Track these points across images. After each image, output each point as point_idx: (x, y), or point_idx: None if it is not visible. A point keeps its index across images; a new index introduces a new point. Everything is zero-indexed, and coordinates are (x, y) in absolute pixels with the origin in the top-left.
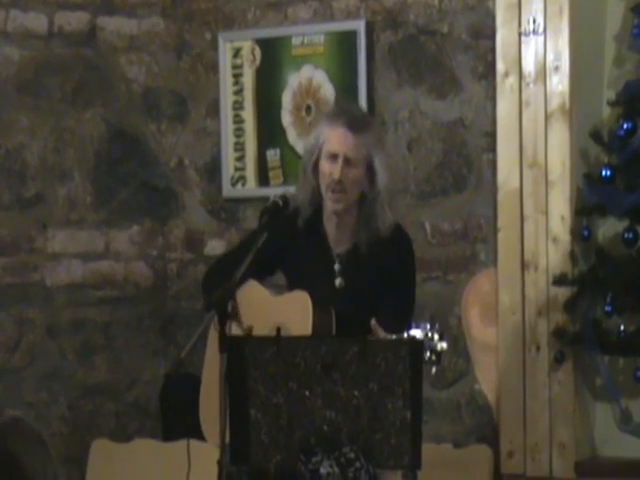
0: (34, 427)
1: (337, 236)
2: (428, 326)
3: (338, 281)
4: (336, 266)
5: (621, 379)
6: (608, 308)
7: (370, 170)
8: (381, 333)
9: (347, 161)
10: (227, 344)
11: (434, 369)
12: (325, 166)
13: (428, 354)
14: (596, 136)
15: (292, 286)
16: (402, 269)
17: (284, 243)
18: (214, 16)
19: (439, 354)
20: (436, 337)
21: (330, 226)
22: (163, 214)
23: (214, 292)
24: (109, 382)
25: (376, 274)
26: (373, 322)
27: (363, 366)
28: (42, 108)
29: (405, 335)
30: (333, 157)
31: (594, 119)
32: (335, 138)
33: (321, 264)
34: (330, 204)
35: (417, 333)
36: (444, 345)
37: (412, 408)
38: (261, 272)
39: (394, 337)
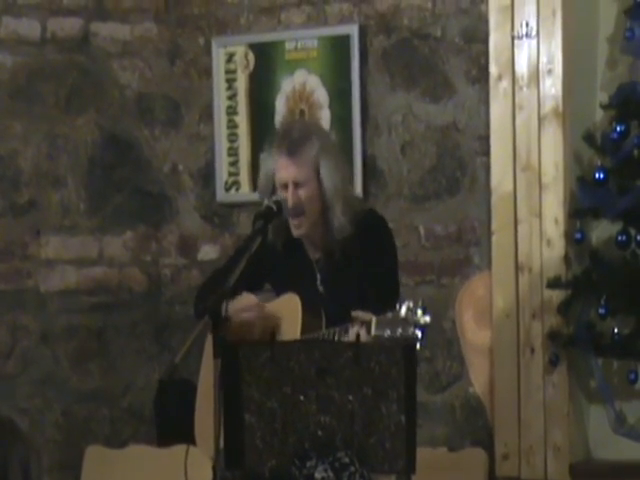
0: (18, 425)
1: (311, 246)
2: (411, 302)
3: (321, 288)
4: (316, 274)
5: (615, 381)
6: (602, 310)
7: (320, 181)
8: (365, 316)
9: (297, 185)
10: (221, 349)
11: (418, 345)
12: (282, 194)
13: (412, 329)
14: (589, 139)
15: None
16: (380, 253)
17: (267, 256)
18: (207, 21)
19: (423, 328)
20: (419, 312)
21: (303, 239)
22: (157, 219)
23: (207, 299)
24: (103, 388)
25: (356, 270)
26: (354, 314)
27: (357, 370)
28: (35, 114)
29: (389, 314)
30: (284, 186)
31: (587, 122)
32: (280, 169)
33: (302, 272)
34: (293, 231)
35: (401, 309)
36: (427, 319)
37: (406, 412)
38: (252, 285)
39: (378, 318)
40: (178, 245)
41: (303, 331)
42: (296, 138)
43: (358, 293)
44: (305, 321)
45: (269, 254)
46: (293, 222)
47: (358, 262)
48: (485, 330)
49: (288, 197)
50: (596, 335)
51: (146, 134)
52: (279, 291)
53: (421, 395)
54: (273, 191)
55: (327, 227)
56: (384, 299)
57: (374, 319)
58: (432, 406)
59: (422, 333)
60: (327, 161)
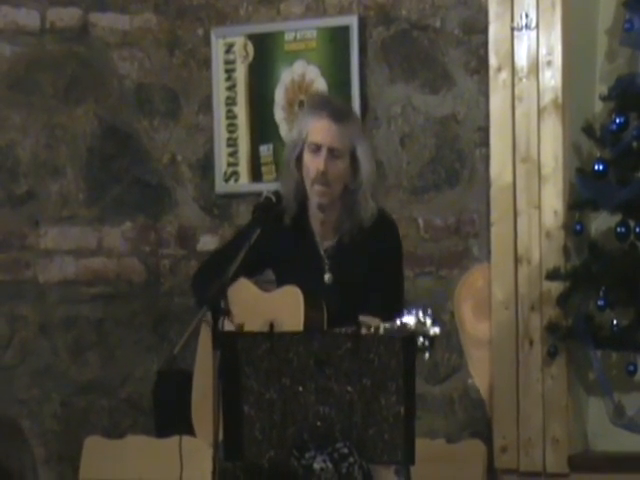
0: (10, 418)
1: (322, 231)
2: (420, 312)
3: (327, 276)
4: (325, 261)
5: (614, 373)
6: (601, 302)
7: (353, 161)
8: (372, 321)
9: (331, 153)
10: (220, 340)
11: (427, 355)
12: (309, 159)
13: (421, 340)
14: (589, 131)
15: (282, 284)
16: (388, 255)
17: (272, 242)
18: (206, 12)
19: (432, 339)
20: (428, 322)
21: (315, 222)
22: (156, 210)
23: (206, 289)
24: (102, 379)
25: (364, 265)
26: (361, 318)
27: (356, 361)
28: (34, 104)
29: (397, 322)
30: (317, 149)
31: (586, 114)
32: (319, 129)
33: (309, 261)
34: (315, 198)
35: (410, 319)
36: (437, 330)
37: (405, 403)
38: (251, 270)
39: (386, 325)
40: (177, 236)
41: (305, 325)
42: (340, 107)
43: (363, 290)
44: (307, 315)
45: (272, 242)
46: (318, 190)
47: (366, 257)
48: (484, 322)
49: (319, 162)
50: (595, 327)
51: (145, 125)
52: (281, 281)
53: (420, 386)
54: (299, 156)
55: (345, 210)
56: (388, 304)
57: (382, 326)
58: (431, 398)
59: (431, 344)
60: (364, 142)
